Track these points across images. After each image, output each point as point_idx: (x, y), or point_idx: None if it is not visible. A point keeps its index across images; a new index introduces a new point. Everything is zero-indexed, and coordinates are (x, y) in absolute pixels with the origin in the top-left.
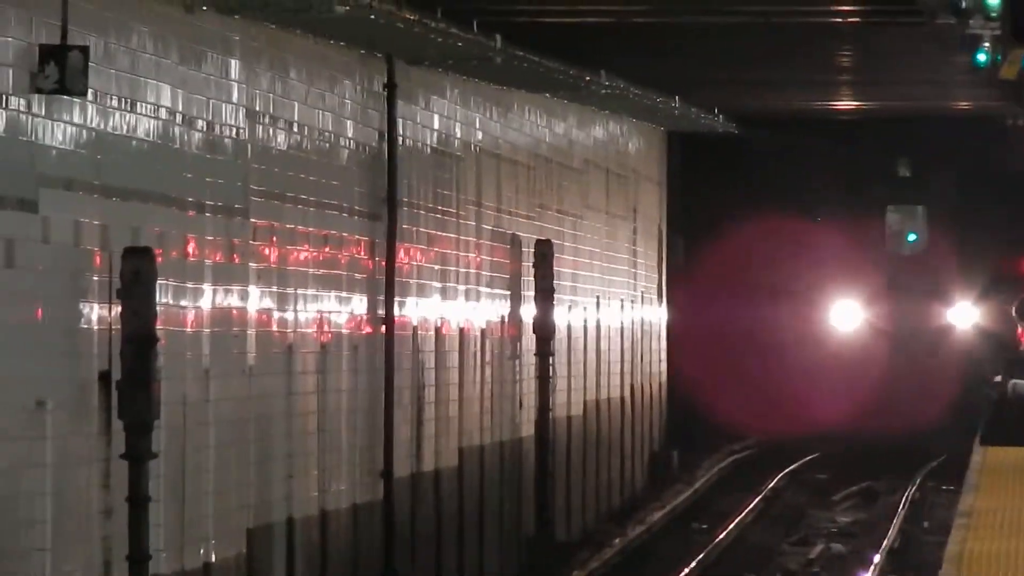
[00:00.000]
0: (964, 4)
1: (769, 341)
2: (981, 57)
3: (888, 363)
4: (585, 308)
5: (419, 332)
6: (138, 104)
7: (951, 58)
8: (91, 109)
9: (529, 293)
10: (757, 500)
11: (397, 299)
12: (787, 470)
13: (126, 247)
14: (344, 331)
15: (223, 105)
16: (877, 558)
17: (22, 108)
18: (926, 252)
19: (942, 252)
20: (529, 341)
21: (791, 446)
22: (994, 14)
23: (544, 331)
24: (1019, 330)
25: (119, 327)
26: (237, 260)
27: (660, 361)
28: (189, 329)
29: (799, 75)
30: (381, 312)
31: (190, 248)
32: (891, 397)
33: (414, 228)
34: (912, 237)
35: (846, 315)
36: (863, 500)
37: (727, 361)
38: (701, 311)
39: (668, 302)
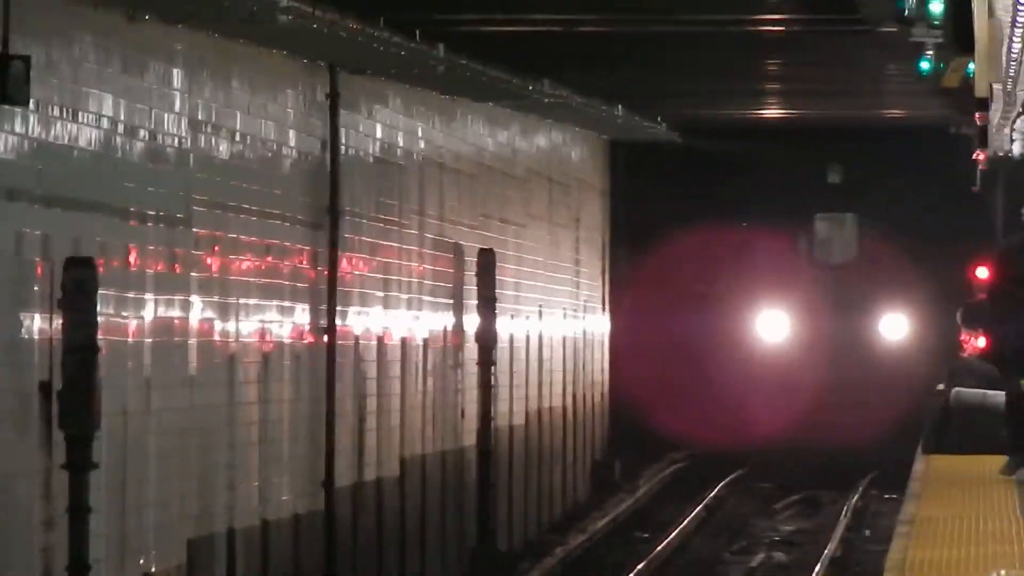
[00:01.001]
0: (908, 12)
1: (706, 351)
2: (924, 65)
3: (818, 374)
4: (527, 317)
5: (361, 342)
6: (80, 114)
7: (895, 66)
8: (33, 119)
9: (472, 302)
10: (699, 509)
11: (339, 308)
12: (729, 479)
13: (68, 257)
14: (286, 341)
15: (165, 114)
16: (819, 567)
17: None
18: (856, 262)
19: (873, 262)
20: (471, 350)
21: (730, 456)
22: (937, 22)
23: (486, 340)
24: (962, 337)
25: (60, 337)
26: (179, 270)
27: (602, 371)
28: (131, 339)
29: (741, 84)
30: (323, 322)
31: (132, 258)
32: (825, 408)
33: (357, 237)
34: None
35: (772, 326)
36: (806, 509)
37: (666, 371)
38: (642, 320)
39: (610, 311)
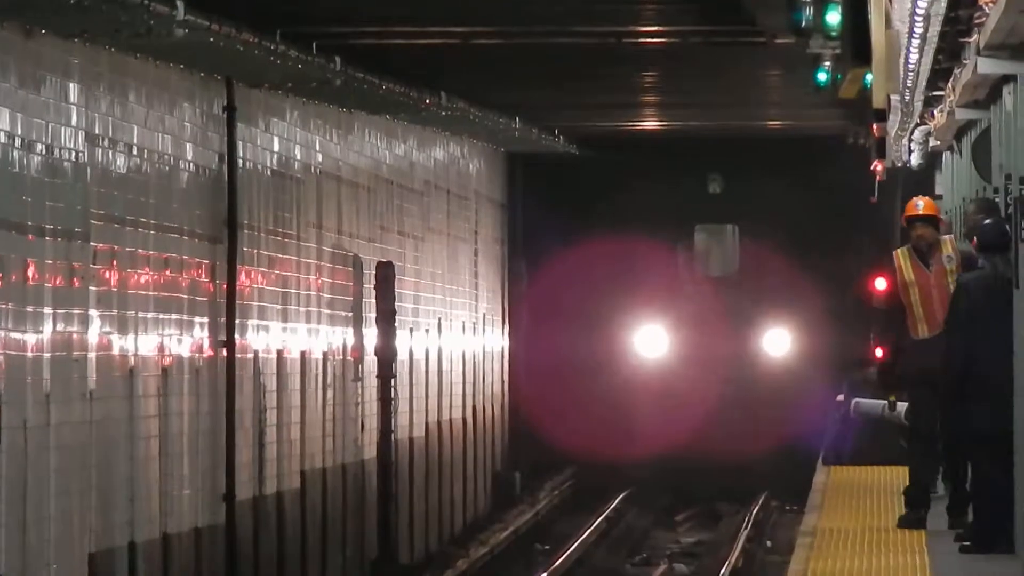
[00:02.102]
0: (804, 23)
1: (596, 365)
2: (821, 76)
3: (701, 389)
4: (427, 330)
5: (260, 355)
6: None
7: (791, 76)
8: None
9: (371, 315)
10: (599, 521)
11: (238, 322)
12: (628, 491)
13: None
14: (185, 354)
15: (62, 128)
16: None
17: None
18: (738, 274)
19: (756, 274)
20: (371, 363)
21: (621, 471)
22: (834, 33)
23: (386, 353)
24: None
25: None
26: (77, 284)
27: (502, 383)
28: (29, 353)
29: (636, 95)
30: (222, 335)
31: (30, 272)
32: (713, 423)
33: (255, 251)
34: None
35: (651, 341)
36: (706, 521)
37: (561, 384)
38: (539, 333)
39: (509, 324)
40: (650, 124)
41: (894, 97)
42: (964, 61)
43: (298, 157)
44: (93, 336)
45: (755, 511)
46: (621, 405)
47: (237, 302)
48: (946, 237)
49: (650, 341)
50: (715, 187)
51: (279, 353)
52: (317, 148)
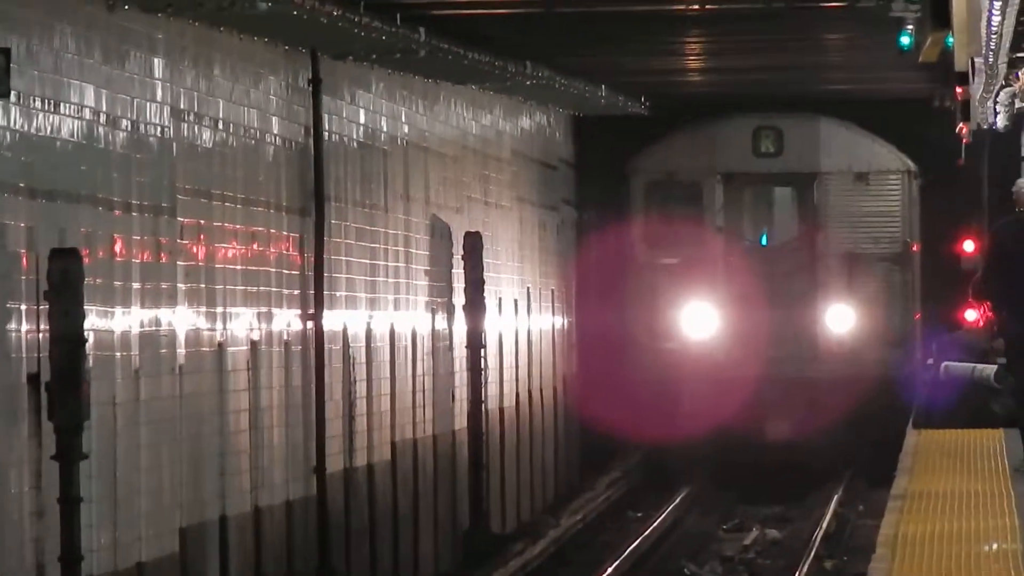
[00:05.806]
0: None
1: (643, 342)
2: (904, 40)
3: (762, 371)
4: (516, 300)
5: (349, 327)
6: (62, 105)
7: (874, 41)
8: (14, 111)
9: (459, 285)
10: (690, 489)
11: (327, 294)
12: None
13: (53, 248)
14: (274, 328)
15: (148, 104)
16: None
17: None
18: (796, 242)
19: (815, 243)
20: (460, 334)
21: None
22: None
23: (475, 323)
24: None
25: (47, 329)
26: (165, 259)
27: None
28: (118, 329)
29: (719, 61)
30: (311, 308)
31: (117, 248)
32: (772, 405)
33: (342, 223)
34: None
35: (699, 319)
36: (797, 490)
37: (613, 363)
38: (597, 306)
39: (577, 294)
40: (720, 89)
41: (977, 59)
42: None
43: (384, 129)
44: (181, 311)
45: (847, 479)
46: (672, 386)
47: (325, 275)
48: None
49: (698, 320)
50: (768, 145)
51: (368, 325)
52: (403, 119)
